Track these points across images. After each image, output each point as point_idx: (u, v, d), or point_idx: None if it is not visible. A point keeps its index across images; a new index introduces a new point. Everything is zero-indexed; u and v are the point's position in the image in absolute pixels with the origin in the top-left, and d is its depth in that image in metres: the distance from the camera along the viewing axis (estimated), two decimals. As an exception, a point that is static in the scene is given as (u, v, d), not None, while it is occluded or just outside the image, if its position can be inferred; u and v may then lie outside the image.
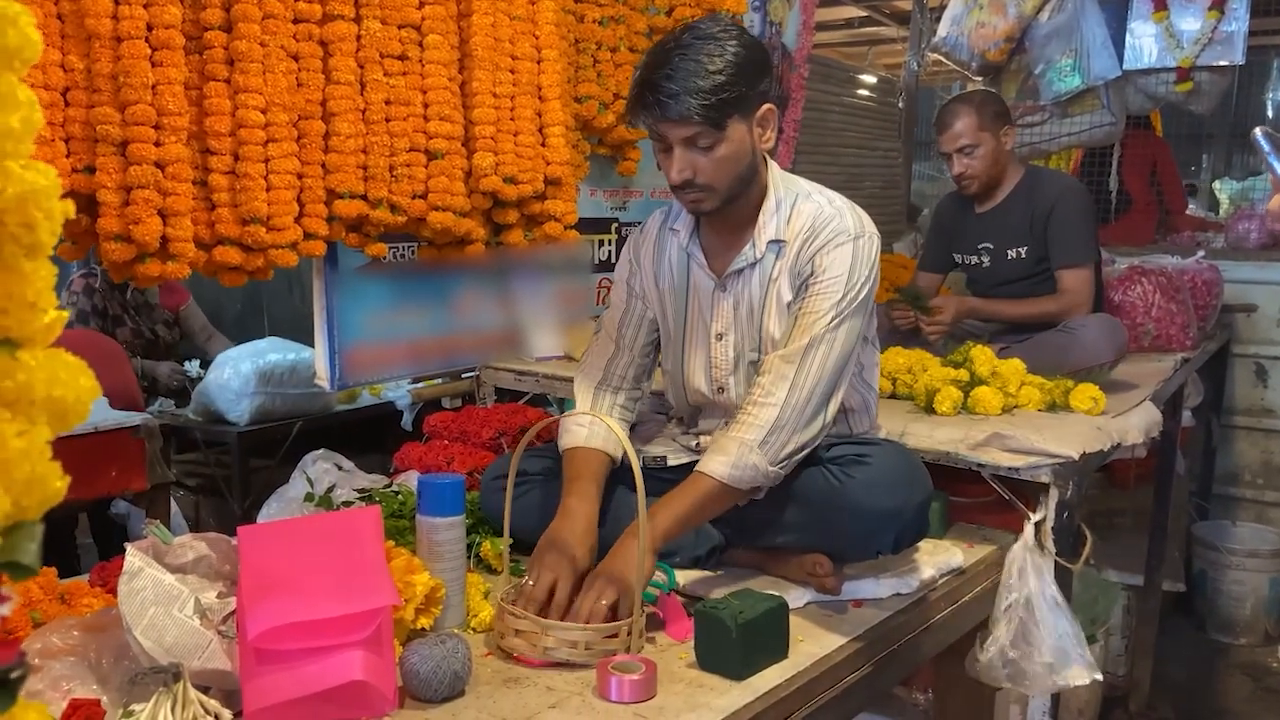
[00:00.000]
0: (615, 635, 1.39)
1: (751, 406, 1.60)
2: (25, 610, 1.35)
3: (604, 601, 1.43)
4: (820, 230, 1.66)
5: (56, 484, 0.54)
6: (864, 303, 1.64)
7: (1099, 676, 1.81)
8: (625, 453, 1.48)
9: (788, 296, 1.68)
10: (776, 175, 1.73)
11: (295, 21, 1.88)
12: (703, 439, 1.84)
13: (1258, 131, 1.03)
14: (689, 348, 1.80)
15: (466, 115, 2.13)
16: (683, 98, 1.54)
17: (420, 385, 3.04)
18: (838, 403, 1.64)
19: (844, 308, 1.62)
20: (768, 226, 1.69)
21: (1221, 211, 6.56)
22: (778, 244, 1.69)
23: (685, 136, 1.58)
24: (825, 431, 1.63)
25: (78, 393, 0.56)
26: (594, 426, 1.72)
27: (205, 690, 1.15)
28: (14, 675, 0.57)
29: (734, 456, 1.56)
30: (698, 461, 1.77)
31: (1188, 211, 5.12)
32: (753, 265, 1.70)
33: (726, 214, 1.68)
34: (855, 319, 1.63)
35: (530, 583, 1.48)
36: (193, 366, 3.78)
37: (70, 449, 2.16)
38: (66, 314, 0.58)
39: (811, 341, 1.60)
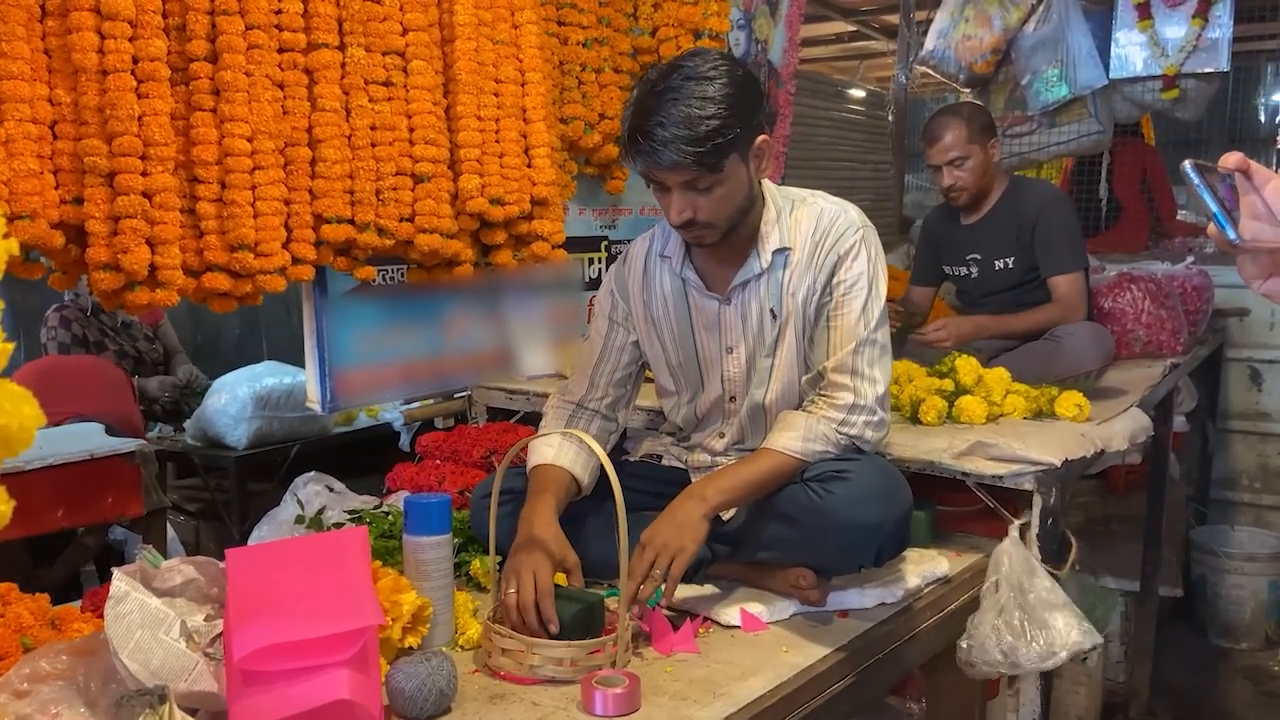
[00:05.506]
0: (600, 651, 1.41)
1: (820, 402, 1.69)
2: (16, 636, 1.37)
3: (657, 570, 1.50)
4: (830, 229, 1.73)
5: (1, 508, 0.55)
6: (883, 293, 1.74)
7: (1100, 640, 1.77)
8: (601, 465, 1.49)
9: (806, 296, 1.74)
10: (771, 190, 1.77)
11: (280, 51, 1.91)
12: (694, 455, 1.87)
13: (1187, 164, 1.04)
14: (704, 367, 1.83)
15: (452, 139, 2.15)
16: (676, 145, 1.53)
17: (412, 406, 3.06)
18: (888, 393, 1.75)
19: (872, 304, 1.71)
20: (770, 237, 1.73)
21: (1214, 217, 6.57)
22: (784, 252, 1.74)
23: (682, 181, 1.59)
24: (889, 423, 1.74)
25: (21, 420, 0.58)
26: (562, 447, 1.73)
27: (192, 712, 1.16)
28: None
29: (803, 430, 1.65)
30: (690, 470, 1.81)
31: (1179, 217, 5.13)
32: (759, 276, 1.75)
33: (727, 240, 1.71)
34: (883, 310, 1.73)
35: (512, 591, 1.48)
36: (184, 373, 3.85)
37: (66, 476, 2.17)
38: (11, 346, 0.60)
39: (858, 346, 1.69)
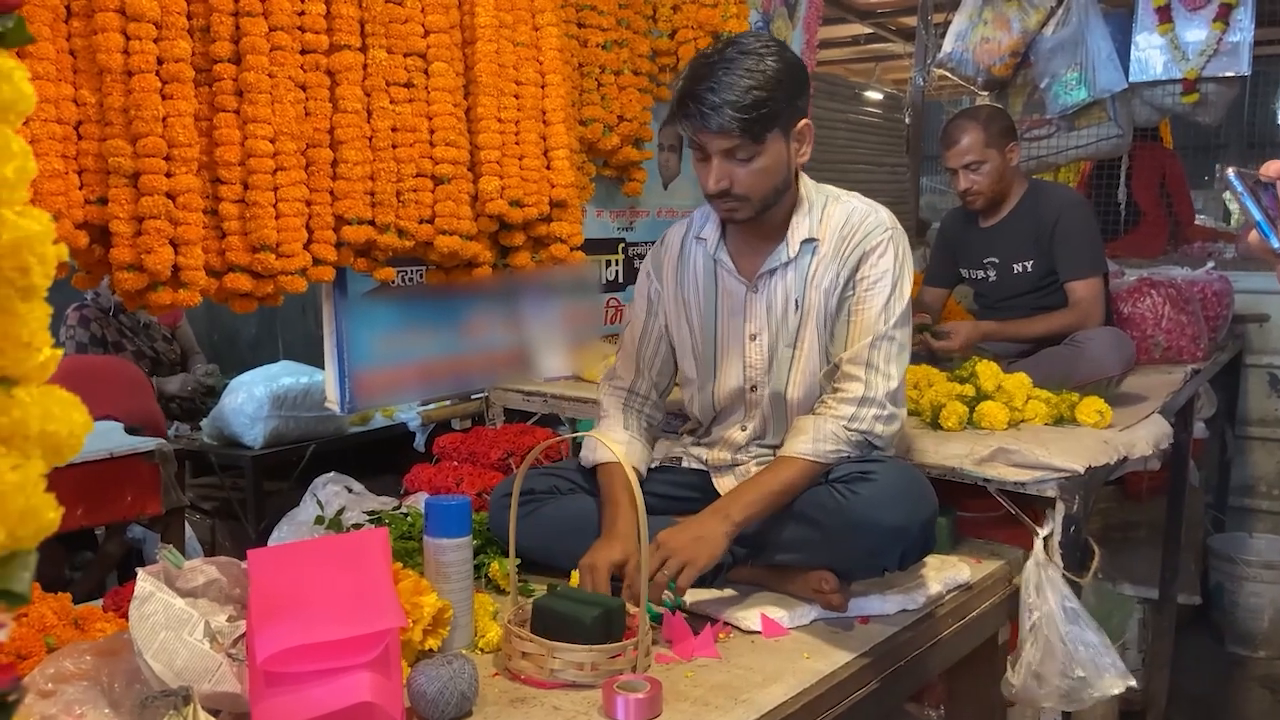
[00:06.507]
0: (621, 655, 1.40)
1: (829, 400, 1.71)
2: (40, 636, 1.37)
3: (666, 572, 1.51)
4: (859, 225, 1.76)
5: (50, 515, 0.55)
6: (907, 293, 1.76)
7: (1133, 683, 1.81)
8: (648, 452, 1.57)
9: (829, 289, 1.76)
10: (808, 183, 1.82)
11: (303, 52, 1.91)
12: (714, 452, 1.86)
13: (1231, 171, 1.04)
14: (721, 351, 1.85)
15: (472, 140, 2.15)
16: (724, 110, 1.60)
17: (430, 407, 3.07)
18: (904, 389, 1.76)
19: (894, 301, 1.73)
20: (800, 227, 1.77)
21: (1233, 222, 6.54)
22: (811, 243, 1.77)
23: (725, 148, 1.65)
24: (902, 419, 1.75)
25: (70, 427, 0.58)
26: (631, 445, 1.84)
27: (215, 713, 1.17)
28: (10, 700, 0.58)
29: (811, 433, 1.66)
30: (710, 470, 1.80)
31: (1197, 222, 5.10)
32: (786, 265, 1.78)
33: (759, 221, 1.75)
34: (905, 308, 1.74)
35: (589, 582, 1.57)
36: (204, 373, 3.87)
37: (86, 475, 2.18)
38: (60, 352, 0.60)
39: (874, 340, 1.70)
